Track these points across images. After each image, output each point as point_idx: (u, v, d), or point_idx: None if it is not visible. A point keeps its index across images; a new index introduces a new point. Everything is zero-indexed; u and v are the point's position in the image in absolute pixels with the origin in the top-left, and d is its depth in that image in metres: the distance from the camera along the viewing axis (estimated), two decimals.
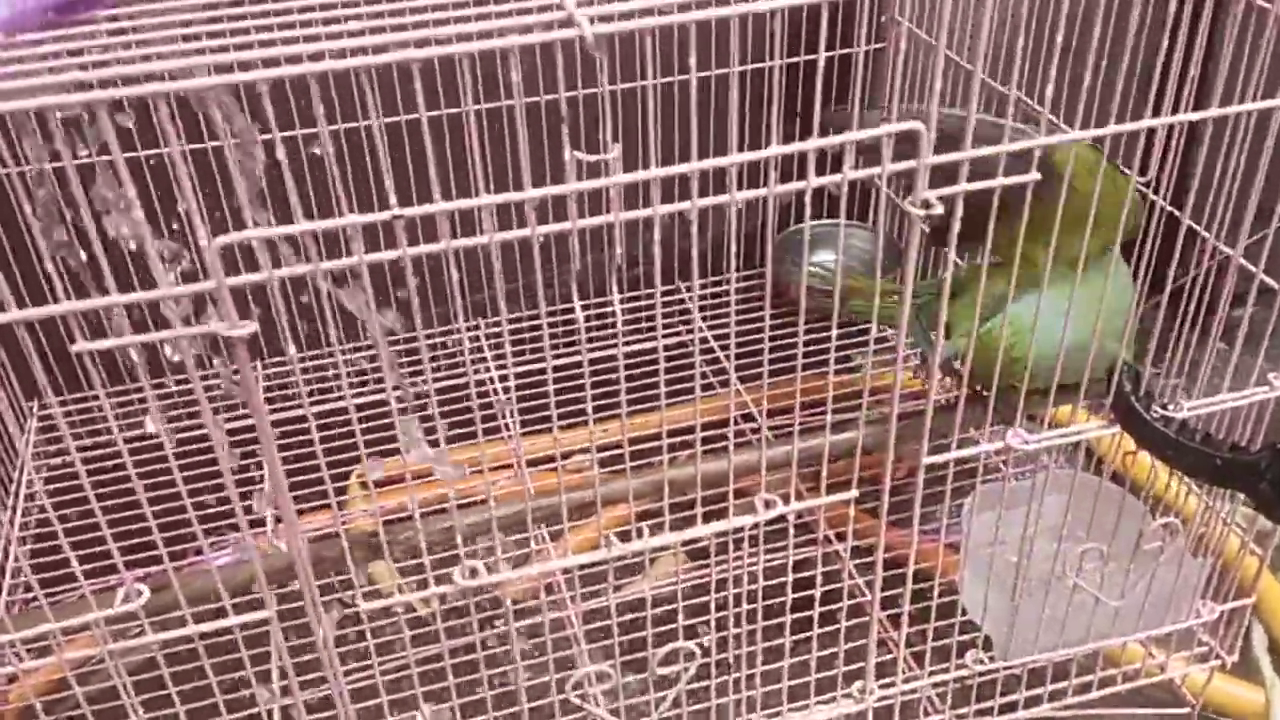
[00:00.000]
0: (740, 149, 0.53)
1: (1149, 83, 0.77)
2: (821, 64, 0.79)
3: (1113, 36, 0.68)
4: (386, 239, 0.52)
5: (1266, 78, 0.66)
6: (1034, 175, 0.60)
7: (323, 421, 0.62)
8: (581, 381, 0.59)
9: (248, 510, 0.58)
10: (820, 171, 0.55)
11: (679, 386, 0.74)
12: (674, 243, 1.30)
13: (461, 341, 1.25)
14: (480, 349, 1.30)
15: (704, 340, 1.29)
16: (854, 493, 0.68)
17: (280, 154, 0.49)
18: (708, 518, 0.67)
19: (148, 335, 0.49)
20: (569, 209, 0.51)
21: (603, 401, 0.69)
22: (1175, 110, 0.66)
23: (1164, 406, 0.71)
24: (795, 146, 0.53)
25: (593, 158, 0.50)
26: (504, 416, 1.13)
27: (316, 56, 0.46)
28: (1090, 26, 0.64)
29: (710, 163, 0.51)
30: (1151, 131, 0.64)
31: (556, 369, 0.60)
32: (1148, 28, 0.65)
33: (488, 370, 1.25)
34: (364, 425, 0.60)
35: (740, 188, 0.54)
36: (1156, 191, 0.79)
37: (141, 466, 0.58)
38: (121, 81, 0.43)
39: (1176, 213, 0.78)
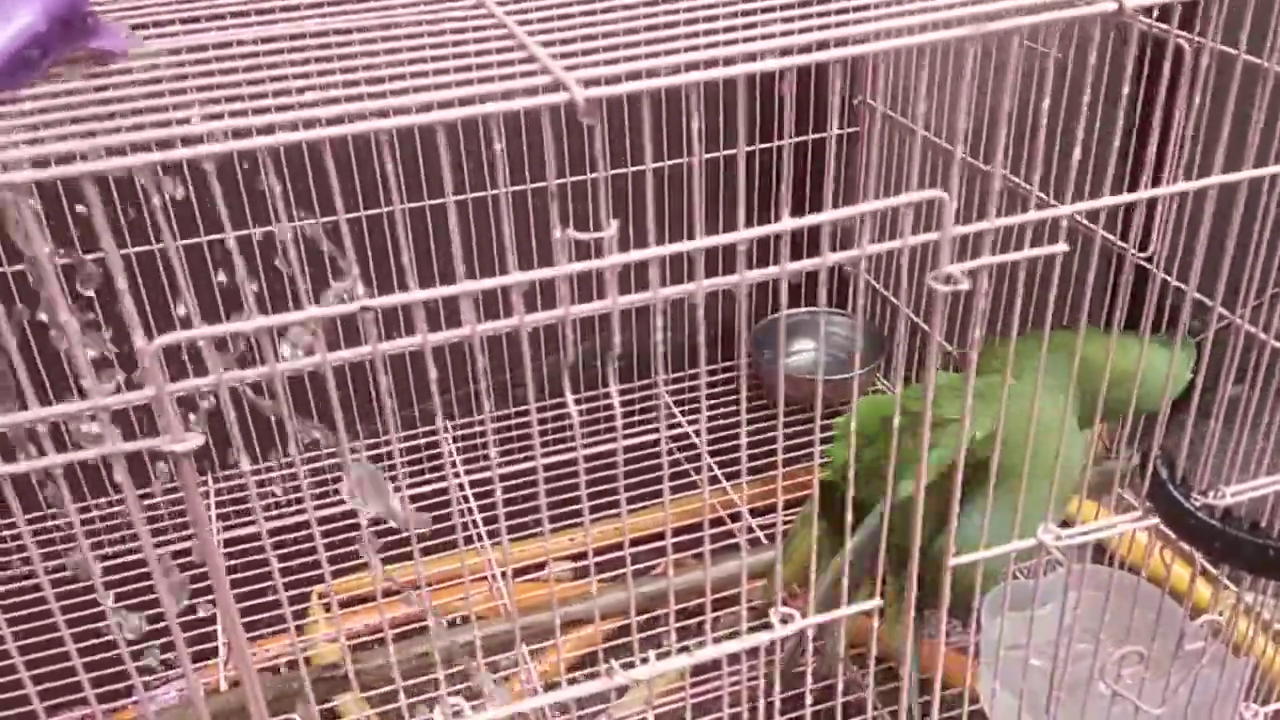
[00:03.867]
0: (749, 224, 0.47)
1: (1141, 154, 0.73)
2: (833, 143, 0.74)
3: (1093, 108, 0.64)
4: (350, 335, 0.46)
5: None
6: (1062, 246, 0.55)
7: (278, 539, 0.55)
8: (567, 483, 0.53)
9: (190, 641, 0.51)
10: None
11: (653, 489, 0.67)
12: (642, 338, 1.24)
13: (440, 444, 1.18)
14: (452, 452, 1.23)
15: (686, 436, 1.23)
16: (877, 601, 0.61)
17: (230, 241, 0.43)
18: (703, 629, 0.60)
19: (72, 454, 0.42)
20: (559, 294, 0.44)
21: (569, 507, 0.62)
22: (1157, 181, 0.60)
23: (1203, 494, 0.65)
24: (808, 220, 0.48)
25: (586, 236, 0.44)
26: (475, 526, 1.05)
27: (266, 130, 0.40)
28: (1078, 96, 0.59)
29: (720, 239, 0.46)
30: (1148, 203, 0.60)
31: (526, 472, 0.53)
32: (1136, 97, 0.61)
33: (458, 476, 1.17)
34: (326, 540, 0.53)
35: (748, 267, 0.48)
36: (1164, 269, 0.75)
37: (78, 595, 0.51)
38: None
39: (1181, 286, 0.74)
